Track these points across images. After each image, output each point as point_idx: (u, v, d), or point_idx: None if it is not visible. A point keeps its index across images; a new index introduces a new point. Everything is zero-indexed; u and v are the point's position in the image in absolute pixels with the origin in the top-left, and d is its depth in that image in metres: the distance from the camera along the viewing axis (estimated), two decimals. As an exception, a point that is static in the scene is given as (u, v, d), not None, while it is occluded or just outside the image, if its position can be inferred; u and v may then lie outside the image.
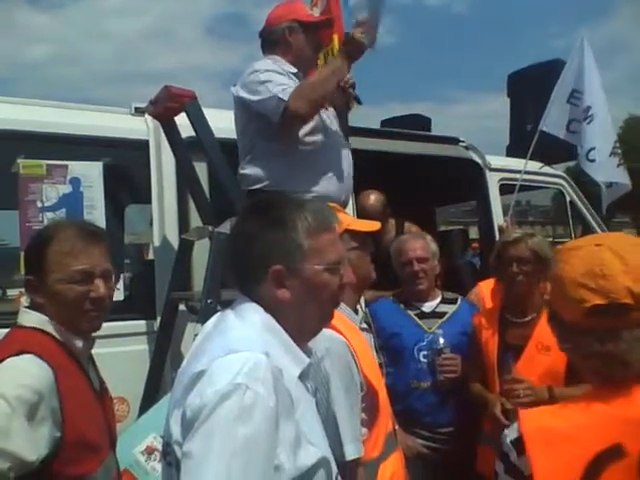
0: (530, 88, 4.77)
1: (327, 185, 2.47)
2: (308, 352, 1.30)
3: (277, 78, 2.41)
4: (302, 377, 1.24)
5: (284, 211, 1.27)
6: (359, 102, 2.70)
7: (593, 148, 4.03)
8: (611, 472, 1.06)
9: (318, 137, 2.49)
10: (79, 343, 1.56)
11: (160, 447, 1.81)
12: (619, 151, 4.29)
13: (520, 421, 1.15)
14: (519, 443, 1.13)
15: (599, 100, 4.09)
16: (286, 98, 2.33)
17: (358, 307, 2.03)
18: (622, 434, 1.07)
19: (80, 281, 1.54)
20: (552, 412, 1.19)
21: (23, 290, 1.66)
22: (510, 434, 1.16)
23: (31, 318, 1.54)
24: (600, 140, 4.10)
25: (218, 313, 1.34)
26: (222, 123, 2.70)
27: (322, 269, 1.25)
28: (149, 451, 1.99)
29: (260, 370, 1.09)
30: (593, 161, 4.04)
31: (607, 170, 4.12)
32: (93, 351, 1.67)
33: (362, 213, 3.46)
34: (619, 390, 1.13)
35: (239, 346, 1.14)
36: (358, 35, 2.37)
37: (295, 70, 2.56)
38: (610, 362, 1.14)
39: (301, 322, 1.27)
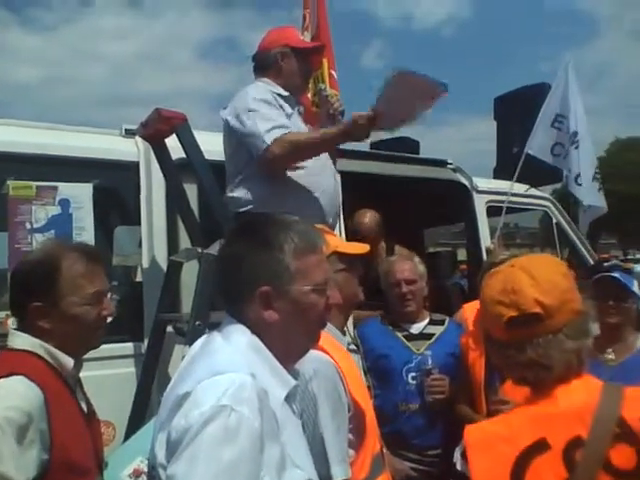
0: (516, 111, 4.85)
1: (313, 207, 2.48)
2: (294, 374, 1.30)
3: (265, 111, 2.44)
4: (288, 399, 1.24)
5: (271, 232, 1.28)
6: None
7: (579, 174, 4.12)
8: (537, 464, 1.17)
9: (306, 161, 2.52)
10: (70, 365, 1.56)
11: (147, 470, 1.79)
12: (598, 176, 4.40)
13: (465, 434, 1.27)
14: (464, 452, 1.25)
15: (583, 125, 4.18)
16: (269, 141, 2.37)
17: (345, 329, 2.04)
18: (546, 429, 1.20)
19: (94, 302, 1.59)
20: (493, 421, 1.35)
21: (9, 313, 1.65)
22: (460, 449, 1.27)
23: (22, 341, 1.53)
24: (585, 165, 4.20)
25: (205, 335, 1.34)
26: (213, 145, 2.73)
27: (309, 290, 1.26)
28: (136, 474, 1.96)
29: (245, 391, 1.09)
30: (581, 185, 4.13)
31: (590, 194, 4.22)
32: (80, 374, 1.66)
33: (357, 231, 3.56)
34: (544, 391, 1.25)
35: (225, 368, 1.14)
36: (361, 122, 2.31)
37: (287, 93, 2.60)
38: (533, 368, 1.26)
39: (288, 343, 1.27)
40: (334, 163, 2.78)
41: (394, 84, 2.22)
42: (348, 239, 3.54)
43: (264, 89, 2.56)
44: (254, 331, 1.24)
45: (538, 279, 1.28)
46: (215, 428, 1.05)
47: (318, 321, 1.32)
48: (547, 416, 1.21)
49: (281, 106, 2.52)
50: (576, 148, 4.12)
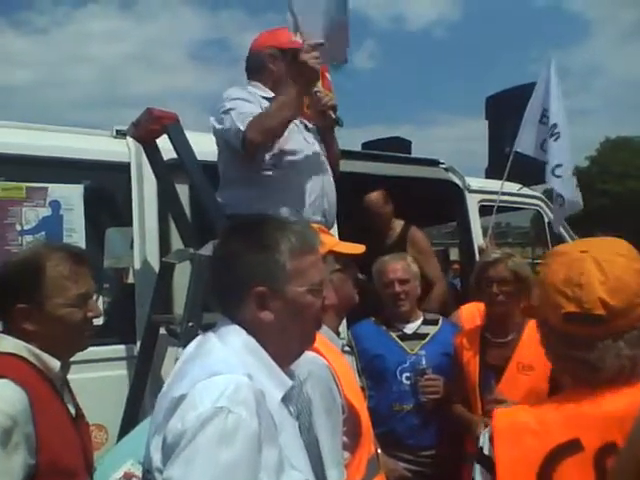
0: (508, 111, 4.85)
1: (300, 207, 2.47)
2: (291, 375, 1.29)
3: (241, 106, 2.45)
4: (285, 400, 1.23)
5: (267, 232, 1.27)
6: (340, 124, 2.72)
7: (559, 165, 4.06)
8: (567, 465, 1.11)
9: (291, 158, 2.50)
10: (57, 367, 1.54)
11: (137, 473, 1.77)
12: (574, 172, 4.36)
13: (494, 418, 1.21)
14: (492, 437, 1.18)
15: (563, 119, 4.16)
16: (243, 128, 2.37)
17: (340, 330, 2.03)
18: (581, 430, 1.11)
19: (80, 303, 1.57)
20: (525, 409, 1.23)
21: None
22: (487, 431, 1.21)
23: (6, 343, 1.51)
24: (565, 158, 4.16)
25: (200, 336, 1.33)
26: (204, 146, 2.71)
27: (305, 290, 1.25)
28: (127, 477, 1.94)
29: (242, 393, 1.08)
30: (559, 177, 4.08)
31: (569, 188, 4.16)
32: (71, 377, 1.64)
33: (368, 210, 3.93)
34: (588, 391, 1.16)
35: (221, 369, 1.12)
36: (309, 60, 2.29)
37: (272, 95, 2.59)
38: (582, 367, 1.18)
39: (283, 344, 1.26)
40: (336, 162, 2.77)
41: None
42: (362, 220, 3.82)
43: (241, 89, 2.58)
44: (249, 331, 1.23)
45: (609, 275, 1.15)
46: (212, 430, 1.03)
47: (313, 322, 1.31)
48: (584, 416, 1.13)
49: (260, 105, 2.51)
50: (555, 140, 4.08)
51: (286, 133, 2.48)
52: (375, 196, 3.95)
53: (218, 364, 1.15)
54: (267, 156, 2.47)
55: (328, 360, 1.59)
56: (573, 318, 1.16)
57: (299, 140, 2.57)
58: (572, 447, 1.11)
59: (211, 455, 1.02)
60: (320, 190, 2.56)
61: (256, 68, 2.66)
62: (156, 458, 1.11)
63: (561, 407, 1.17)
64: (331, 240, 1.92)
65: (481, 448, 1.21)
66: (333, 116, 2.65)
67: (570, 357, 1.19)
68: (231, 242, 1.30)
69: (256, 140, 2.37)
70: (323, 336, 1.60)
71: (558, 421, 1.14)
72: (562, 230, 4.65)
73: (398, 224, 4.01)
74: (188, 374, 1.16)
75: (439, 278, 3.89)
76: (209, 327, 1.32)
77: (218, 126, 2.50)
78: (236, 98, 2.49)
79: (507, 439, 1.16)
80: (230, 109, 2.45)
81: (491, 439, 1.18)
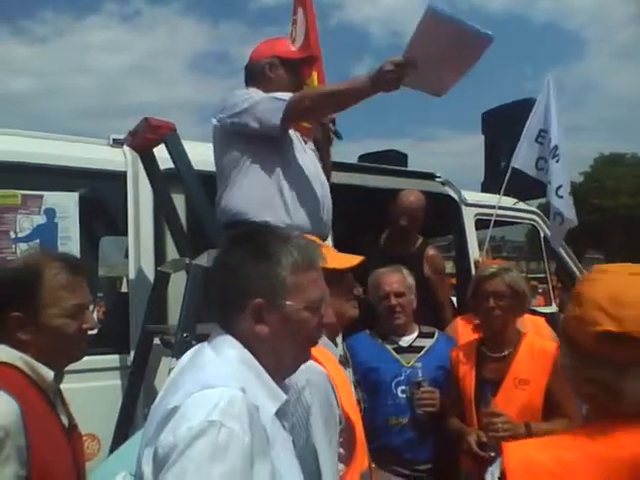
0: (503, 126, 4.90)
1: (299, 217, 2.45)
2: (285, 389, 1.28)
3: (261, 92, 2.45)
4: (278, 414, 1.21)
5: (270, 244, 1.25)
6: (339, 137, 2.73)
7: (561, 186, 4.16)
8: None
9: (291, 169, 2.49)
10: (50, 377, 1.52)
11: (131, 485, 1.74)
12: (571, 190, 4.44)
13: (504, 454, 1.08)
14: (504, 476, 1.06)
15: (562, 140, 4.24)
16: (286, 97, 2.32)
17: (337, 341, 2.01)
18: (610, 474, 1.00)
19: (75, 314, 1.55)
20: (537, 446, 1.11)
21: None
22: (495, 471, 1.09)
23: (0, 353, 1.49)
24: (564, 178, 4.24)
25: (195, 347, 1.31)
26: (202, 156, 2.71)
27: (302, 307, 1.24)
28: (119, 489, 1.92)
29: (235, 406, 1.07)
30: (561, 197, 4.16)
31: (568, 207, 4.25)
32: (64, 386, 1.62)
33: (403, 211, 3.68)
34: (608, 426, 1.06)
35: (215, 381, 1.11)
36: (389, 68, 2.10)
37: None
38: (605, 394, 1.08)
39: (277, 359, 1.24)
40: (328, 176, 2.76)
41: (427, 27, 1.95)
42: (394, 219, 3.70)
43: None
44: (244, 344, 1.22)
45: None
46: (204, 444, 1.02)
47: (308, 339, 1.29)
48: (613, 459, 1.00)
49: None
50: (557, 161, 4.17)
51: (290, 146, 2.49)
52: (415, 196, 3.73)
53: (212, 376, 1.13)
54: (275, 166, 2.44)
55: (327, 369, 1.58)
56: (608, 338, 1.06)
57: (301, 153, 2.57)
58: None
59: (203, 469, 1.01)
60: (320, 202, 2.56)
61: (255, 76, 2.64)
62: (147, 471, 1.09)
63: (580, 446, 1.05)
64: (326, 252, 1.90)
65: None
66: (332, 129, 2.65)
67: (594, 381, 1.09)
68: (233, 251, 1.28)
69: (303, 112, 2.33)
70: (321, 346, 1.59)
71: (582, 463, 1.02)
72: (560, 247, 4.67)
73: (418, 237, 3.89)
74: (181, 386, 1.14)
75: (448, 304, 3.84)
76: (203, 338, 1.30)
77: (233, 112, 2.42)
78: (248, 90, 2.48)
79: None
80: (251, 96, 2.41)
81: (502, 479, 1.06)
